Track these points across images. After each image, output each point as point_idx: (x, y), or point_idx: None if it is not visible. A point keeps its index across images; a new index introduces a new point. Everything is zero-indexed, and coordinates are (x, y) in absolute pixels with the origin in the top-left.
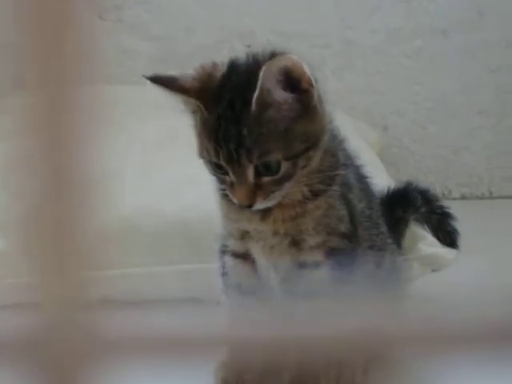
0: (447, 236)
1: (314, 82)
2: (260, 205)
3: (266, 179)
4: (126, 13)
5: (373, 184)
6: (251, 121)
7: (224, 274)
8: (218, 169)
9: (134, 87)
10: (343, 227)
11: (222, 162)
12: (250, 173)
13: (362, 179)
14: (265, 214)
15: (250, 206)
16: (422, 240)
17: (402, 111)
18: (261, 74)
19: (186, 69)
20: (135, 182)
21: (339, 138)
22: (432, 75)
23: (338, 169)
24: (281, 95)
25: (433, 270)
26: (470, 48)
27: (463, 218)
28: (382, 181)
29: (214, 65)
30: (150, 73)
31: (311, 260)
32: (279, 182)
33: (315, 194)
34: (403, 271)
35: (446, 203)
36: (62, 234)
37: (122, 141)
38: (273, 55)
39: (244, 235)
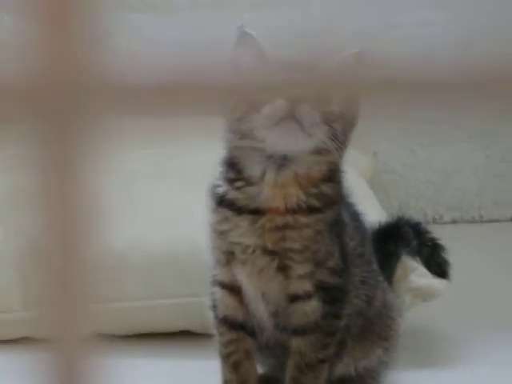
0: (438, 267)
1: None
2: (306, 107)
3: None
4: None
5: (366, 221)
6: None
7: (213, 307)
8: None
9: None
10: (332, 263)
11: None
12: None
13: (355, 217)
14: (254, 219)
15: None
16: (413, 271)
17: (391, 136)
18: None
19: None
20: (124, 214)
21: (345, 187)
22: None
23: (338, 199)
24: None
25: (424, 301)
26: None
27: (454, 242)
28: (373, 214)
29: None
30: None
31: (301, 291)
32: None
33: (310, 210)
34: (395, 309)
35: (436, 235)
36: (58, 267)
37: (109, 171)
38: None
39: (230, 259)
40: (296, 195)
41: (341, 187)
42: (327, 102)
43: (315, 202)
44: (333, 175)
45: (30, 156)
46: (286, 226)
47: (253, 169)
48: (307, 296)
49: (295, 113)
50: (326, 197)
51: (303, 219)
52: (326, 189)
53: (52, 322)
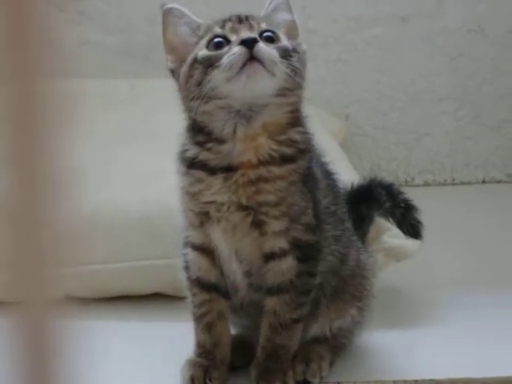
0: (411, 228)
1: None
2: (263, 45)
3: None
4: (86, 4)
5: (339, 181)
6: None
7: (186, 268)
8: (215, 47)
9: (93, 80)
10: (306, 219)
11: (229, 25)
12: (256, 28)
13: (328, 175)
14: (228, 176)
15: (254, 40)
16: (387, 231)
17: (363, 99)
18: None
19: (149, 60)
20: (96, 177)
21: (311, 133)
22: (392, 63)
23: (308, 146)
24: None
25: (397, 261)
26: (430, 35)
27: (427, 204)
28: (346, 175)
29: None
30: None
31: (277, 248)
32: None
33: (282, 160)
34: (369, 268)
35: (409, 196)
36: (26, 230)
37: (81, 135)
38: None
39: (204, 220)
40: (267, 145)
41: (308, 132)
42: (276, 39)
43: (286, 150)
44: (297, 119)
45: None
46: (259, 179)
47: (223, 128)
48: (283, 254)
49: (254, 53)
50: (296, 143)
51: (276, 170)
52: (294, 134)
53: (21, 284)
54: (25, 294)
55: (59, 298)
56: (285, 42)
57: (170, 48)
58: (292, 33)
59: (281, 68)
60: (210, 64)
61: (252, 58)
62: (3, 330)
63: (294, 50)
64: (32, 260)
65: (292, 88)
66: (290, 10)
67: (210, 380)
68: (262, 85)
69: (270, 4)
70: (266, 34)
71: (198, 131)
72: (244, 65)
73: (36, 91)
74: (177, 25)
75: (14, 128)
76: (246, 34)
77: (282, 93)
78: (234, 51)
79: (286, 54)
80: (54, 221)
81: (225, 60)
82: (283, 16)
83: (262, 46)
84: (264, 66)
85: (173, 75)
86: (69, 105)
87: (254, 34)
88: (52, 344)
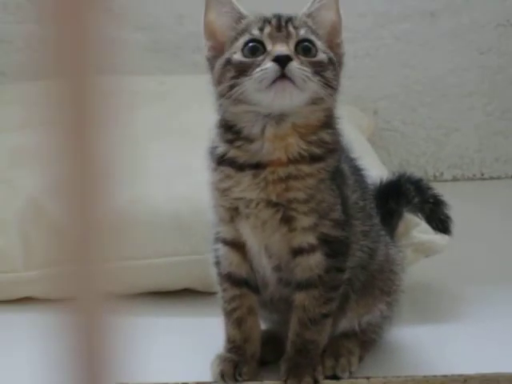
0: (440, 223)
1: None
2: (296, 64)
3: (301, 57)
4: (115, 1)
5: (367, 176)
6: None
7: (217, 263)
8: (250, 52)
9: (122, 77)
10: (335, 215)
11: (268, 30)
12: (293, 38)
13: (356, 171)
14: (257, 173)
15: (287, 58)
16: (416, 227)
17: (391, 94)
18: None
19: (177, 57)
20: (125, 173)
21: (342, 134)
22: (421, 58)
23: (338, 146)
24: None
25: (426, 256)
26: (458, 30)
27: (455, 199)
28: (375, 171)
29: None
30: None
31: (305, 243)
32: (311, 67)
33: (311, 158)
34: (398, 263)
35: (438, 191)
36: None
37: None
38: None
39: (234, 216)
40: (297, 144)
41: (338, 134)
42: (313, 52)
43: (316, 150)
44: (329, 121)
45: (38, 116)
46: (289, 177)
47: (251, 128)
48: (311, 249)
49: (286, 72)
50: (326, 144)
51: (305, 168)
52: (325, 135)
53: (69, 281)
54: (72, 290)
55: (107, 293)
56: (321, 54)
57: (210, 33)
58: (335, 32)
59: (312, 84)
60: (242, 70)
61: (283, 75)
62: (49, 327)
63: (330, 62)
64: (80, 255)
65: (324, 98)
66: (337, 9)
67: (240, 375)
68: (290, 100)
69: (315, 1)
70: (302, 45)
71: (228, 129)
72: (274, 81)
73: (81, 86)
74: (220, 11)
75: (63, 123)
76: (281, 46)
77: (314, 101)
78: (266, 67)
79: (320, 68)
80: (101, 215)
81: (256, 73)
82: (329, 16)
83: (294, 66)
84: (294, 84)
85: (209, 65)
86: (111, 101)
87: (290, 49)
88: (100, 339)
